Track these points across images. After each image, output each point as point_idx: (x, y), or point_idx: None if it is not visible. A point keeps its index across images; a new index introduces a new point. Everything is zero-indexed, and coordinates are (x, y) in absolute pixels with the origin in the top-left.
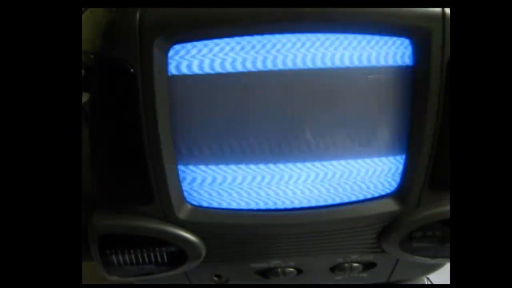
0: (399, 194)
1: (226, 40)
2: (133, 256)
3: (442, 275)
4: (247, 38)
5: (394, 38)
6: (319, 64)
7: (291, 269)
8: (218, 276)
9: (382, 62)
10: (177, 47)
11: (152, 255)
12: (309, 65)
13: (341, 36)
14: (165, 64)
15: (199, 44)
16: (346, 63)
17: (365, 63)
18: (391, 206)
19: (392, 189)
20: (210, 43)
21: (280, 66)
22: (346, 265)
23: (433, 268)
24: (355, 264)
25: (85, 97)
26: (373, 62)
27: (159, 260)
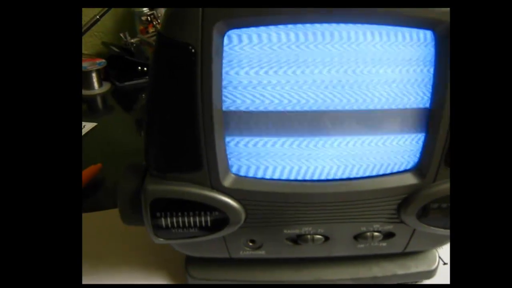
0: (418, 169)
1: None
2: (180, 220)
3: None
4: (298, 26)
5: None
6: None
7: (319, 236)
8: (252, 241)
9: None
10: (234, 31)
11: (197, 219)
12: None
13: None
14: (222, 45)
15: (253, 29)
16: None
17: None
18: (411, 180)
19: (412, 164)
20: (264, 29)
21: (321, 47)
22: (368, 234)
23: (444, 240)
24: (376, 233)
25: None
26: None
27: (203, 224)
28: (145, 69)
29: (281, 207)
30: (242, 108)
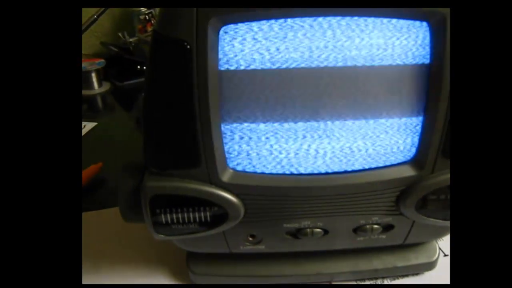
0: (416, 161)
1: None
2: (179, 216)
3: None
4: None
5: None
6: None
7: (319, 230)
8: (252, 236)
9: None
10: (228, 26)
11: (196, 214)
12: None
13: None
14: (217, 40)
15: (247, 24)
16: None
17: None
18: (409, 172)
19: (410, 156)
20: (257, 24)
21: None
22: (368, 226)
23: (444, 231)
24: (376, 226)
25: None
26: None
27: (202, 219)
28: (144, 68)
29: (280, 201)
30: (239, 100)
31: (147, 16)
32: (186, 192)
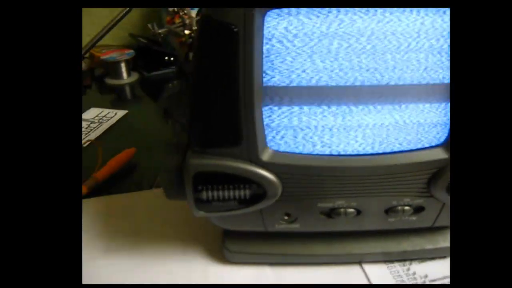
0: (448, 144)
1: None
2: (220, 193)
3: None
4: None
5: None
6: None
7: (352, 210)
8: (288, 214)
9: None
10: (274, 11)
11: (236, 192)
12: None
13: None
14: (262, 25)
15: (292, 10)
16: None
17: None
18: (441, 154)
19: (443, 139)
20: (302, 9)
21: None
22: (399, 208)
23: None
24: (407, 207)
25: None
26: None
27: (242, 197)
28: (172, 59)
29: (316, 181)
30: (281, 83)
31: (175, 8)
32: (227, 169)
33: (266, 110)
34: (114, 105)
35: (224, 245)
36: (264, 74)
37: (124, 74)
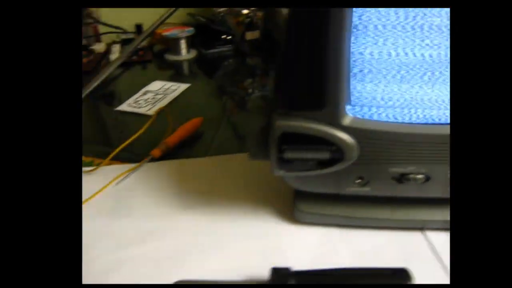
0: None
1: None
2: (302, 154)
3: None
4: None
5: None
6: None
7: (421, 176)
8: (361, 177)
9: None
10: None
11: (316, 153)
12: None
13: None
14: None
15: None
16: None
17: None
18: None
19: None
20: None
21: None
22: None
23: None
24: None
25: None
26: None
27: (321, 158)
28: (228, 37)
29: (391, 146)
30: (365, 58)
31: None
32: (311, 131)
33: (350, 78)
34: (174, 79)
35: (295, 206)
36: (351, 50)
37: (184, 51)
